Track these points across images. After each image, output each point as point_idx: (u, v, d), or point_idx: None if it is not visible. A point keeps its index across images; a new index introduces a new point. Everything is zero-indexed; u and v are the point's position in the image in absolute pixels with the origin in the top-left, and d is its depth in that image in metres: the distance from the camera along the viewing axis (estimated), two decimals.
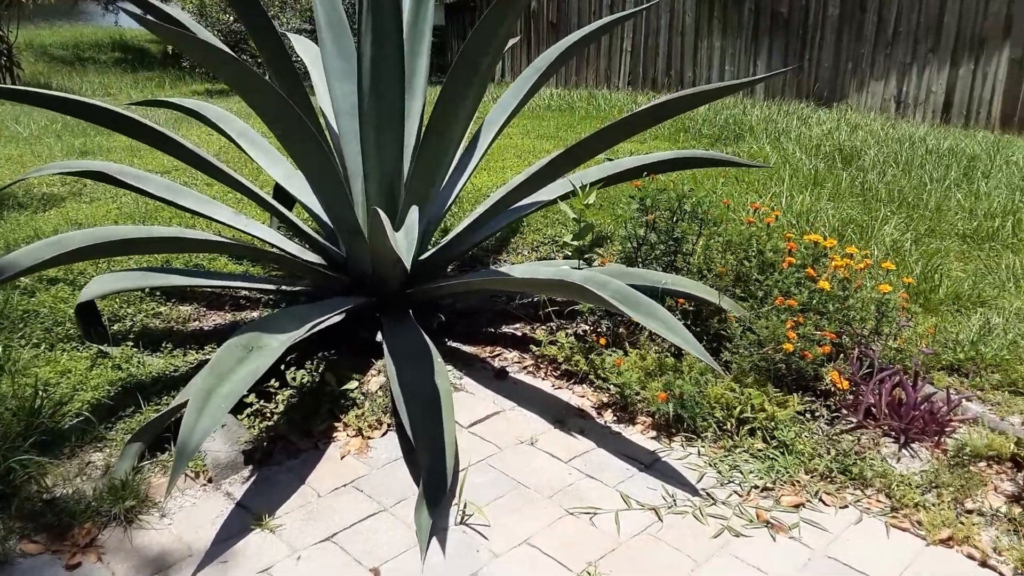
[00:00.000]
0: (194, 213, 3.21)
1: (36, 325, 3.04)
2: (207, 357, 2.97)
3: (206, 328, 3.27)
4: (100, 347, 2.88)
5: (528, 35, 11.76)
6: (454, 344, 3.25)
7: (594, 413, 2.78)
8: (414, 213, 2.40)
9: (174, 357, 2.97)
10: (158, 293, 3.39)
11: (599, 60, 11.10)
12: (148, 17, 2.54)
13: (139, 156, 5.95)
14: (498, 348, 3.22)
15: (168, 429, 2.40)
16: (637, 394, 2.72)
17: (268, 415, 2.62)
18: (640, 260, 3.28)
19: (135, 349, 2.91)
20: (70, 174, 3.30)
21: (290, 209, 3.68)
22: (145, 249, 3.00)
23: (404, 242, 2.20)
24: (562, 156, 3.09)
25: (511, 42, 3.60)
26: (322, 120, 3.39)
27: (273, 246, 3.30)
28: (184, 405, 2.08)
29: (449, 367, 3.02)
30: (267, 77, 2.43)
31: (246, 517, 2.22)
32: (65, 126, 7.23)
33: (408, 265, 2.13)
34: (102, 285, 2.90)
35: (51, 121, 7.41)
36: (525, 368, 3.08)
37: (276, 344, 2.31)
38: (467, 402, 2.84)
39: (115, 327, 3.11)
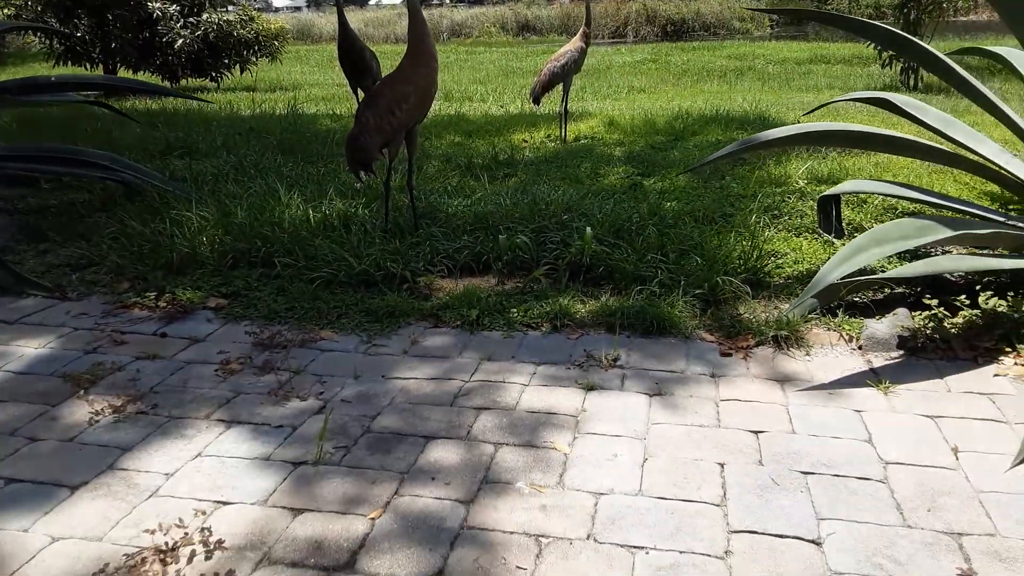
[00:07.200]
0: (959, 144, 3.30)
1: (796, 220, 3.66)
2: None
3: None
4: (829, 237, 3.34)
5: None
6: None
7: None
8: None
9: None
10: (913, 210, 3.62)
11: None
12: None
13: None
14: None
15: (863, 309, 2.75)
16: None
17: (942, 323, 2.67)
18: None
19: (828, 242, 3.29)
20: (859, 100, 3.76)
21: None
22: (836, 142, 3.34)
23: None
24: None
25: None
26: None
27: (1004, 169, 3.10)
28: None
29: None
30: None
31: (869, 378, 2.43)
32: None
33: None
34: (852, 185, 3.33)
35: None
36: None
37: (948, 232, 2.38)
38: None
39: (855, 234, 3.51)
